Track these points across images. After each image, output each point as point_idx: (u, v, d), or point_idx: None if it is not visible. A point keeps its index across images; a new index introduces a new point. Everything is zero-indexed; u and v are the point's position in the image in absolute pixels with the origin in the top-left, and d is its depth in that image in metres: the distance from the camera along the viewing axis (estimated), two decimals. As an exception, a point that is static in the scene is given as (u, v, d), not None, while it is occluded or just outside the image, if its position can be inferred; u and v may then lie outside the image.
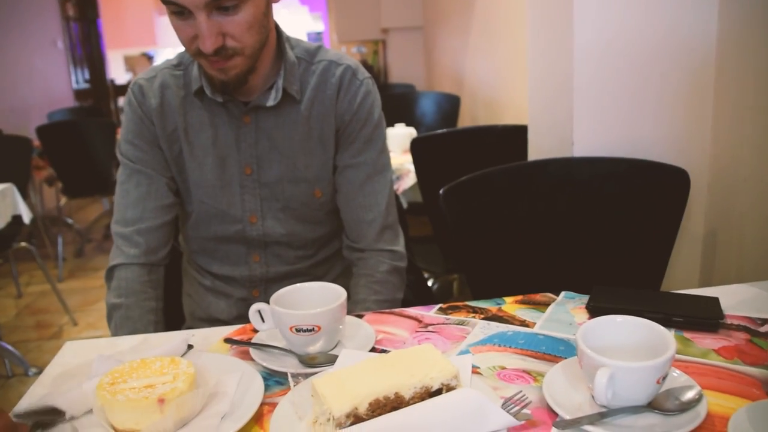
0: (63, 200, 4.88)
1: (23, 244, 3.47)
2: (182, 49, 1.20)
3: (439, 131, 2.36)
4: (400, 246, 1.36)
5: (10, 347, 3.05)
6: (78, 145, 4.35)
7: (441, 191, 1.42)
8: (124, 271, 1.27)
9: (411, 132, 2.88)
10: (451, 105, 3.77)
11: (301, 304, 0.99)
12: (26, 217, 3.17)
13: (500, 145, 2.09)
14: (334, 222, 1.37)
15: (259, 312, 1.00)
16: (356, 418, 0.73)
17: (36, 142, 4.11)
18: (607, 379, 0.73)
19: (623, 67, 1.52)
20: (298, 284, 1.03)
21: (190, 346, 1.01)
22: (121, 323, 1.23)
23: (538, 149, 1.77)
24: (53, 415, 0.84)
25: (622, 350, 0.81)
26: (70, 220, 5.29)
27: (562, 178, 1.49)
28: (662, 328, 0.81)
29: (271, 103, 1.23)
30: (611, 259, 1.46)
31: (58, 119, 5.14)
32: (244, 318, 1.33)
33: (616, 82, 1.53)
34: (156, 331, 1.25)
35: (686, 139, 1.57)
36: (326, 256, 1.39)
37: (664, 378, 0.76)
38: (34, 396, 0.90)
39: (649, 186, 1.47)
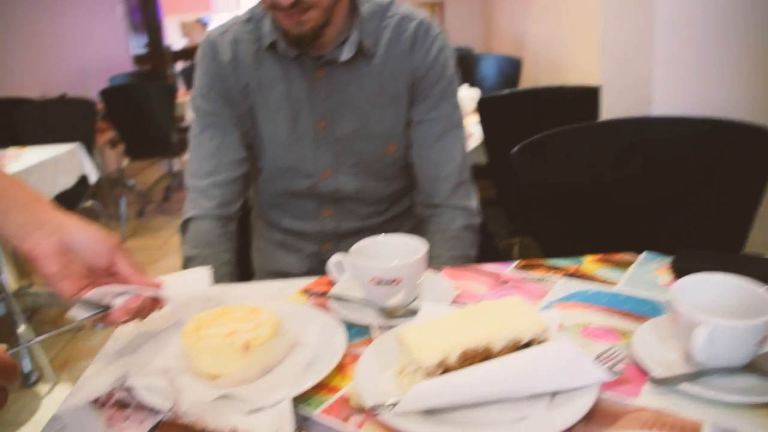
0: (125, 162, 4.99)
1: (89, 203, 3.58)
2: (247, 7, 1.19)
3: (508, 91, 2.31)
4: (474, 203, 1.34)
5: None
6: (139, 108, 4.44)
7: (515, 149, 1.39)
8: (199, 224, 1.29)
9: (474, 93, 2.82)
10: (512, 67, 3.68)
11: (382, 256, 0.98)
12: (93, 176, 3.26)
13: (569, 106, 2.03)
14: (406, 178, 1.36)
15: (339, 263, 1.00)
16: (446, 368, 0.72)
17: (99, 105, 4.20)
18: (706, 337, 0.71)
19: (707, 24, 1.45)
20: (378, 236, 1.03)
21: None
22: None
23: (611, 109, 1.71)
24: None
25: (718, 310, 0.78)
26: (131, 182, 5.42)
27: (639, 137, 1.44)
28: (762, 289, 0.77)
29: (345, 57, 1.22)
30: (690, 222, 1.41)
31: (118, 83, 5.24)
32: (314, 272, 1.34)
33: (699, 38, 1.46)
34: (230, 282, 1.26)
35: (771, 100, 1.49)
36: (397, 212, 1.38)
37: (763, 340, 0.73)
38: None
39: (731, 147, 1.41)
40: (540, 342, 0.75)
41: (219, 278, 1.25)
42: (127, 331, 0.96)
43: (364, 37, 1.22)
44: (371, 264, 0.94)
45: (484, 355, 0.73)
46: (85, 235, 0.80)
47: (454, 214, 1.31)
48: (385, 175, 1.33)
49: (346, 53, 1.22)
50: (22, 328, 2.71)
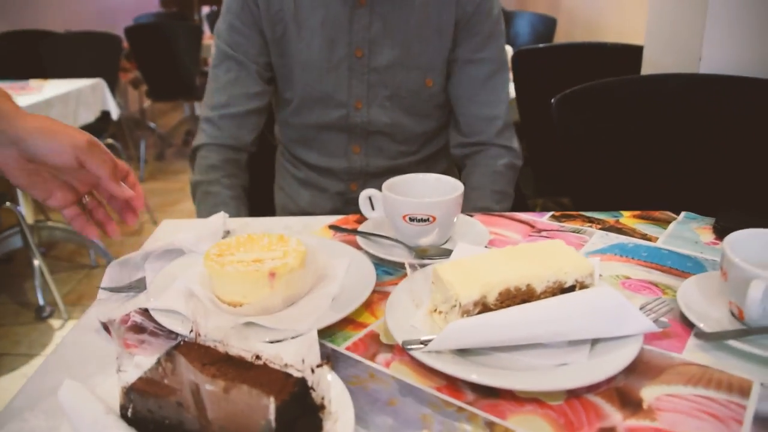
0: (147, 103, 4.97)
1: (109, 141, 3.55)
2: None
3: (544, 45, 2.23)
4: (517, 145, 1.33)
5: (96, 239, 3.17)
6: (164, 49, 4.38)
7: (554, 99, 1.34)
8: (206, 150, 1.28)
9: (507, 49, 2.73)
10: (546, 26, 3.57)
11: (415, 194, 0.95)
12: (114, 113, 3.23)
13: (609, 64, 1.95)
14: (440, 117, 1.32)
15: (370, 199, 0.96)
16: (484, 307, 0.68)
17: (124, 44, 4.15)
18: (761, 293, 0.66)
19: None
20: (412, 174, 0.99)
21: (227, 233, 0.99)
22: (201, 198, 1.23)
23: (654, 67, 1.64)
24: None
25: (772, 266, 0.73)
26: (152, 125, 5.40)
27: (685, 94, 1.37)
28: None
29: None
30: (731, 185, 1.35)
31: (144, 22, 5.18)
32: (339, 212, 1.31)
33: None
34: (239, 209, 1.23)
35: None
36: (428, 154, 1.34)
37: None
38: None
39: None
40: (584, 287, 0.72)
41: (224, 202, 1.22)
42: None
43: None
44: (405, 200, 0.90)
45: (525, 295, 0.70)
46: (44, 140, 0.73)
47: (500, 152, 1.30)
48: (419, 111, 1.29)
49: None
50: (36, 263, 2.71)
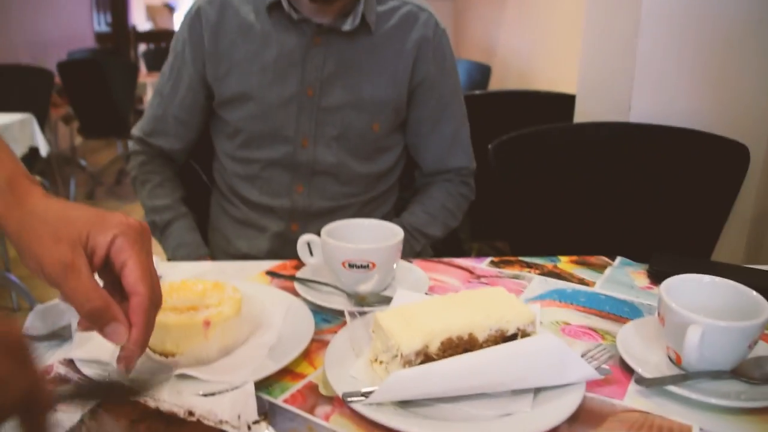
0: (78, 140, 4.82)
1: (37, 178, 3.41)
2: None
3: (480, 91, 2.27)
4: (473, 185, 1.39)
5: (17, 280, 3.01)
6: (98, 85, 4.27)
7: (491, 145, 1.36)
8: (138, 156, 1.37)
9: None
10: (481, 74, 3.66)
11: (355, 239, 0.93)
12: (43, 150, 3.12)
13: (542, 112, 2.00)
14: (383, 162, 1.33)
15: (308, 244, 0.94)
16: (426, 357, 0.67)
17: (56, 79, 4.04)
18: (698, 337, 0.67)
19: (690, 35, 1.44)
20: (351, 219, 0.97)
21: (159, 277, 0.96)
22: (139, 187, 1.34)
23: (586, 115, 1.69)
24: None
25: (707, 312, 0.74)
26: (83, 162, 5.23)
27: (616, 142, 1.42)
28: (753, 291, 0.74)
29: (347, 27, 1.21)
30: (661, 230, 1.40)
31: (78, 58, 5.06)
32: (276, 255, 1.28)
33: (682, 48, 1.45)
34: (175, 190, 1.34)
35: (747, 116, 1.49)
36: (371, 197, 1.34)
37: (755, 343, 0.70)
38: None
39: (707, 158, 1.40)
40: (526, 335, 0.71)
41: (163, 185, 1.32)
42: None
43: (368, 12, 1.22)
44: (344, 246, 0.88)
45: (467, 344, 0.68)
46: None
47: (459, 183, 1.37)
48: (364, 154, 1.29)
49: (349, 23, 1.21)
50: None
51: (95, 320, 0.59)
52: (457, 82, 1.35)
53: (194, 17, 1.27)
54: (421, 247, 1.32)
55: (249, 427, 0.51)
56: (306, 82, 1.23)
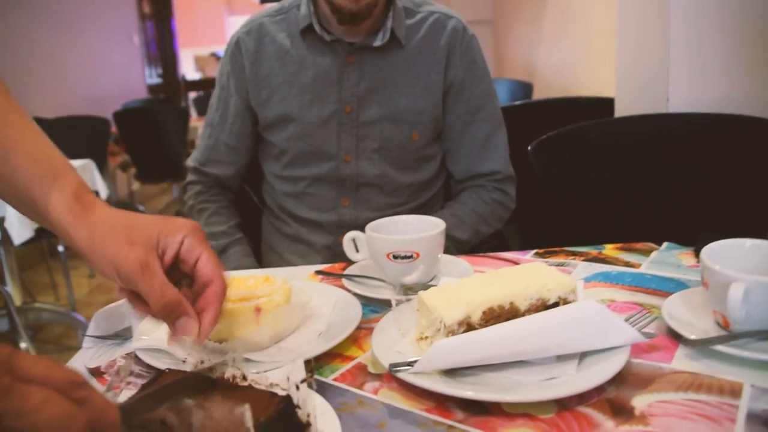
0: (135, 185, 5.01)
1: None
2: None
3: (520, 102, 2.29)
4: (512, 193, 1.38)
5: (83, 319, 3.13)
6: (152, 131, 4.47)
7: (530, 146, 1.37)
8: (195, 186, 1.43)
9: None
10: (524, 92, 3.68)
11: (398, 233, 0.95)
12: (103, 192, 3.26)
13: (583, 117, 2.00)
14: (426, 170, 1.36)
15: (354, 241, 0.97)
16: (469, 327, 0.68)
17: (112, 129, 4.23)
18: (742, 294, 0.67)
19: (721, 22, 1.44)
20: (394, 216, 1.00)
21: None
22: (196, 215, 1.39)
23: (626, 112, 1.69)
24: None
25: (750, 272, 0.74)
26: (142, 207, 5.43)
27: (657, 133, 1.41)
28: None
29: (378, 43, 1.25)
30: (710, 218, 1.38)
31: (132, 107, 5.29)
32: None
33: (713, 36, 1.45)
34: (231, 217, 1.39)
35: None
36: (416, 205, 1.37)
37: (801, 299, 0.69)
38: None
39: (748, 142, 1.38)
40: (567, 303, 0.72)
41: (219, 212, 1.37)
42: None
43: (398, 26, 1.26)
44: (388, 237, 0.91)
45: (509, 314, 0.70)
46: (91, 260, 0.66)
47: (493, 189, 1.36)
48: (406, 164, 1.33)
49: (379, 39, 1.26)
50: (23, 345, 2.67)
51: (168, 314, 0.64)
52: (489, 88, 1.36)
53: (234, 49, 1.34)
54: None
55: (297, 388, 0.53)
56: (344, 100, 1.28)
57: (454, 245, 1.30)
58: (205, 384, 0.56)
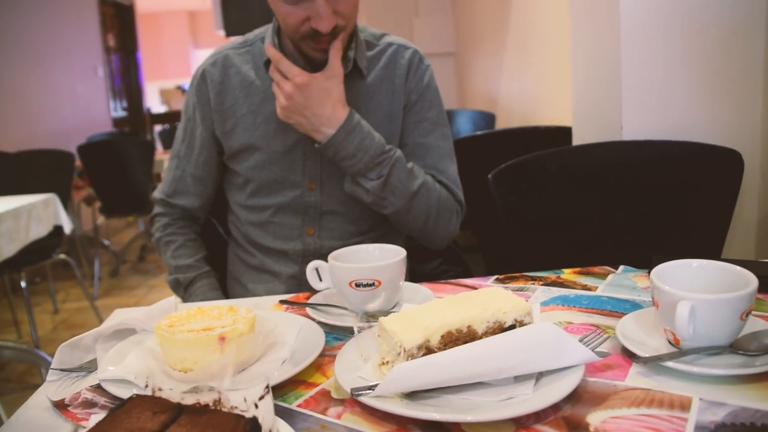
0: (100, 219, 4.94)
1: (62, 256, 3.51)
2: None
3: (480, 132, 2.34)
4: (461, 197, 1.37)
5: (47, 356, 3.06)
6: (116, 164, 4.42)
7: (490, 174, 1.41)
8: (162, 218, 1.46)
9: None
10: (486, 122, 3.75)
11: (360, 262, 0.97)
12: (67, 227, 3.20)
13: (542, 146, 2.06)
14: None
15: (317, 270, 0.99)
16: (428, 350, 0.70)
17: (77, 162, 4.19)
18: (689, 312, 0.70)
19: (671, 50, 1.50)
20: (355, 245, 1.02)
21: None
22: (163, 248, 1.42)
23: (582, 140, 1.75)
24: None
25: (697, 291, 0.77)
26: (106, 242, 5.35)
27: (612, 161, 1.46)
28: (739, 267, 0.77)
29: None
30: (664, 242, 1.42)
31: (96, 140, 5.24)
32: (293, 296, 1.32)
33: (665, 64, 1.51)
34: (197, 250, 1.42)
35: (737, 122, 1.53)
36: (380, 233, 1.38)
37: (747, 314, 0.73)
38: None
39: (701, 169, 1.44)
40: (523, 326, 0.74)
41: (186, 245, 1.40)
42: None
43: (360, 58, 1.30)
44: (349, 266, 0.93)
45: (467, 337, 0.72)
46: None
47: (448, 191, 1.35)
48: None
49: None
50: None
51: None
52: (441, 117, 1.38)
53: (200, 80, 1.36)
54: (382, 188, 1.23)
55: (256, 406, 0.54)
56: None
57: (392, 193, 1.24)
58: (171, 409, 0.57)
